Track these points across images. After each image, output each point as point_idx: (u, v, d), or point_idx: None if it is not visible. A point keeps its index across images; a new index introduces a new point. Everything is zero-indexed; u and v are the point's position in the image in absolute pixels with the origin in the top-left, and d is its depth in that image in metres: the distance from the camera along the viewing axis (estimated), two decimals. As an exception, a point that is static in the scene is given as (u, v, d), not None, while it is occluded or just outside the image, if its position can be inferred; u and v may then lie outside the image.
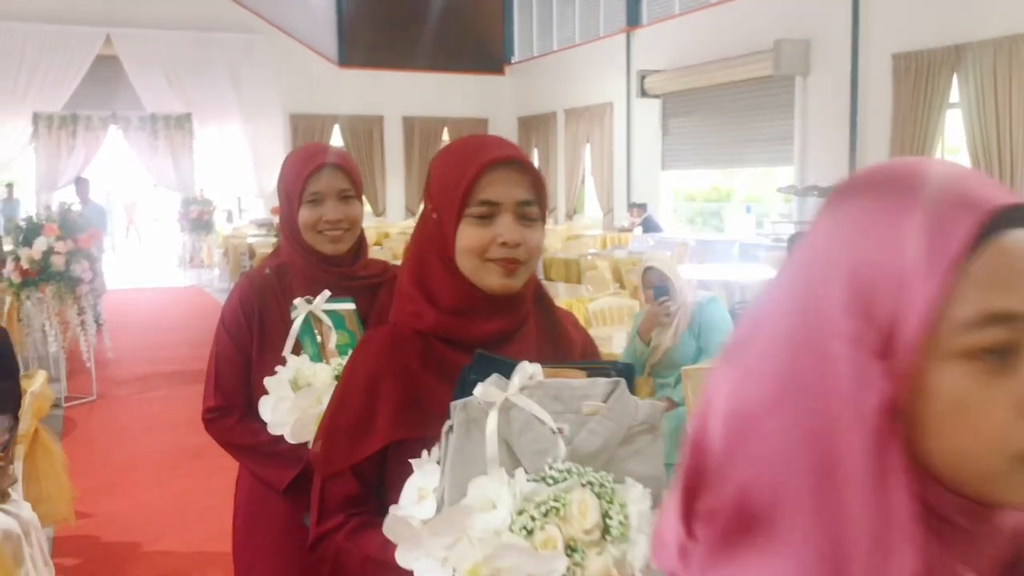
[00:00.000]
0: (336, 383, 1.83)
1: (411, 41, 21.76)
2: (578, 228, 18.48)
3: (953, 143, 11.93)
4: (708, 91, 15.84)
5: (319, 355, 2.27)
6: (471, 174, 1.54)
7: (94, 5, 18.67)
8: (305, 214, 2.35)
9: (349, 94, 21.09)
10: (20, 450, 4.35)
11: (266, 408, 2.19)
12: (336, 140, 21.51)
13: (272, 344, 2.33)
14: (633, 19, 18.11)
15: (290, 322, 2.30)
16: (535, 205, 1.58)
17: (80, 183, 13.28)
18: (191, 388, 8.85)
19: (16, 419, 4.37)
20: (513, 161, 1.57)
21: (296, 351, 2.28)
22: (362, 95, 21.25)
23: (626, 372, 1.47)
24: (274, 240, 9.15)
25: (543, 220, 1.62)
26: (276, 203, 9.37)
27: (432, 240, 1.60)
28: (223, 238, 17.41)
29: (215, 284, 17.22)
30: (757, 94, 14.82)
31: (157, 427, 7.61)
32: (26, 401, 4.41)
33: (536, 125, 21.61)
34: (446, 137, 22.44)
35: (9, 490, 3.94)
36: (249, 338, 2.39)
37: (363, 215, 2.49)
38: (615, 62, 18.43)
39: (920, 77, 11.70)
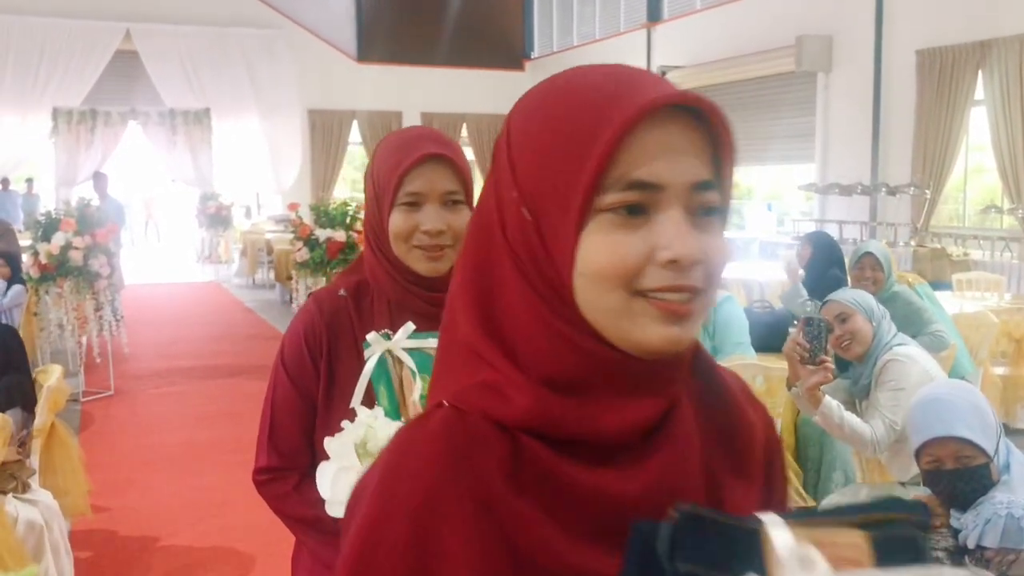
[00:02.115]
0: None
1: (430, 36, 21.75)
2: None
3: (978, 140, 11.83)
4: (729, 87, 15.76)
5: (398, 409, 1.75)
6: (615, 128, 1.01)
7: (113, 1, 18.72)
8: (398, 220, 1.82)
9: (367, 89, 21.10)
10: (37, 444, 4.40)
11: (324, 479, 1.69)
12: (354, 136, 21.55)
13: (345, 390, 1.82)
14: (654, 15, 18.05)
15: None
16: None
17: (98, 178, 13.34)
18: (208, 383, 8.89)
19: (32, 414, 4.40)
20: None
21: (369, 402, 1.75)
22: (380, 91, 21.25)
23: (923, 521, 0.85)
24: (291, 236, 9.13)
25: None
26: (294, 199, 9.24)
27: (521, 251, 0.89)
28: (241, 234, 17.44)
29: (232, 280, 17.26)
30: (779, 90, 14.74)
31: (174, 422, 7.64)
32: (42, 396, 4.44)
33: (555, 121, 21.54)
34: (464, 133, 22.43)
35: (29, 480, 3.99)
36: (315, 381, 1.89)
37: None
38: (635, 58, 18.36)
39: (944, 74, 11.59)
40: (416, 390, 1.73)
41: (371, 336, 1.73)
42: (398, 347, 1.74)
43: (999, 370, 6.50)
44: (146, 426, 7.60)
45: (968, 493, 2.74)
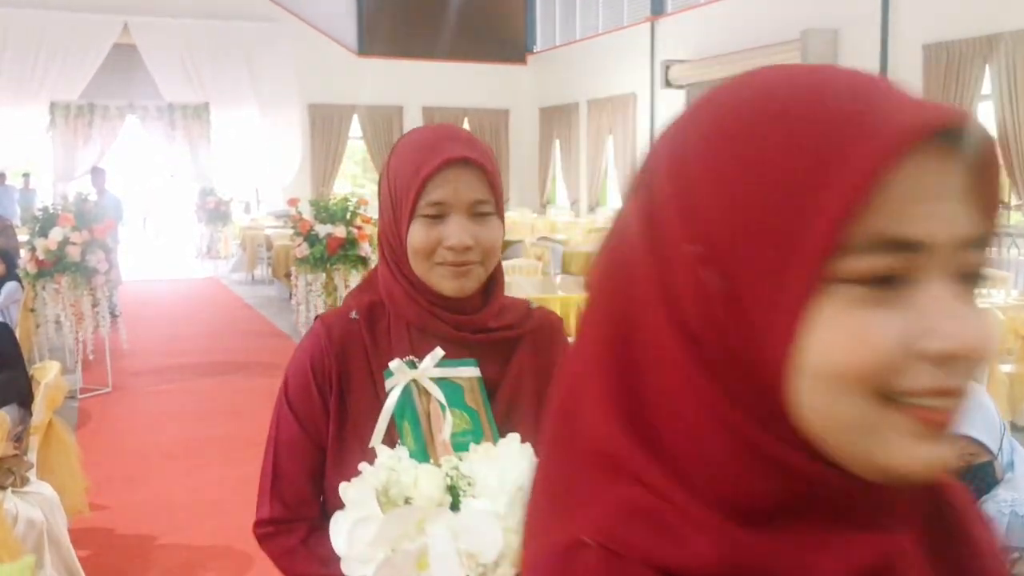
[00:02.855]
0: (451, 498, 1.42)
1: (431, 30, 21.72)
2: (601, 221, 18.38)
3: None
4: (732, 82, 15.73)
5: (425, 449, 1.53)
6: (866, 162, 0.71)
7: (112, -7, 18.71)
8: (418, 233, 1.55)
9: (368, 84, 21.05)
10: (34, 441, 4.44)
11: (340, 532, 1.47)
12: (355, 130, 21.51)
13: (359, 428, 1.60)
14: (657, 8, 18.01)
15: (384, 394, 1.59)
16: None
17: (96, 173, 13.29)
18: (206, 380, 8.87)
19: (28, 411, 4.40)
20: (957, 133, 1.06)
21: (391, 440, 1.56)
22: (382, 85, 21.20)
23: None
24: (291, 232, 9.07)
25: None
26: (294, 194, 9.11)
27: (701, 332, 0.62)
28: (240, 229, 17.40)
29: (231, 276, 17.21)
30: (783, 85, 14.70)
31: (172, 419, 7.62)
32: (40, 392, 4.46)
33: (558, 116, 21.51)
34: (466, 127, 22.35)
35: (27, 474, 4.01)
36: (325, 419, 1.64)
37: (503, 239, 1.65)
38: (639, 52, 18.31)
39: (951, 68, 11.55)
40: (446, 427, 1.53)
41: (394, 364, 1.54)
42: (425, 376, 1.54)
43: (1005, 367, 6.47)
44: (144, 423, 7.58)
45: (973, 491, 2.68)
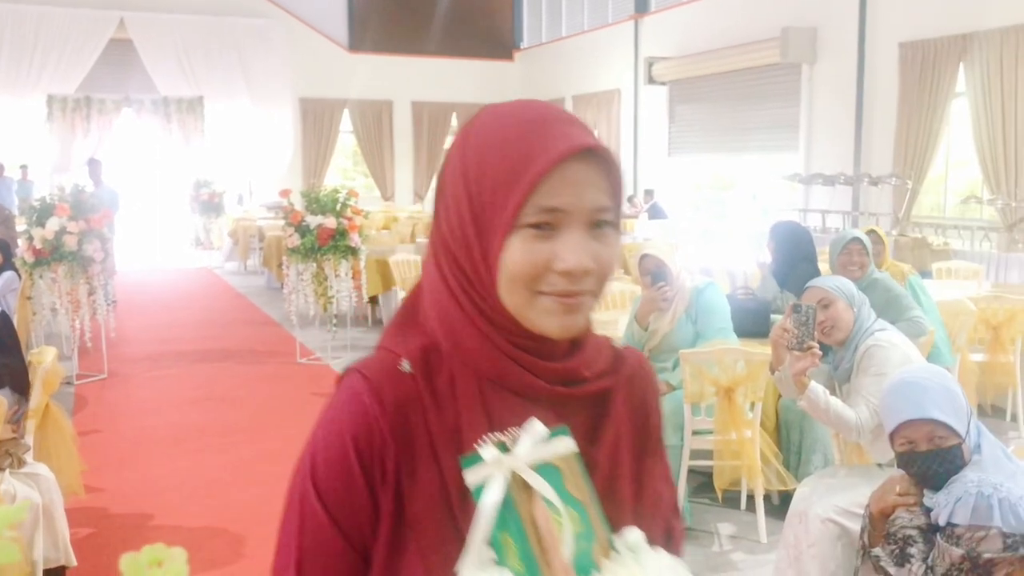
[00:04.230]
0: None
1: (420, 26, 21.80)
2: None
3: (959, 132, 11.97)
4: (715, 78, 15.87)
5: (538, 572, 1.05)
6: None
7: (107, -12, 18.80)
8: (521, 251, 1.10)
9: (359, 79, 21.17)
10: (31, 424, 4.42)
11: None
12: (346, 124, 21.59)
13: (421, 534, 1.13)
14: (641, 6, 18.13)
15: (454, 485, 1.11)
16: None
17: (93, 164, 13.33)
18: (199, 367, 8.96)
19: (24, 396, 4.44)
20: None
21: (476, 557, 1.09)
22: (371, 80, 21.31)
23: None
24: (283, 223, 9.10)
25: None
26: (286, 187, 9.09)
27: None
28: (233, 220, 17.49)
29: (224, 266, 17.33)
30: (764, 82, 14.86)
31: (166, 405, 7.71)
32: (37, 377, 4.47)
33: (545, 111, 21.58)
34: (454, 122, 22.48)
35: (25, 456, 4.03)
36: (372, 520, 1.16)
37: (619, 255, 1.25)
38: (623, 49, 18.45)
39: (927, 66, 11.72)
40: (567, 537, 1.07)
41: (488, 453, 1.07)
42: (526, 465, 1.07)
43: (976, 357, 6.60)
44: (139, 409, 7.67)
45: (942, 474, 2.80)
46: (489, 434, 1.11)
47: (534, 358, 1.15)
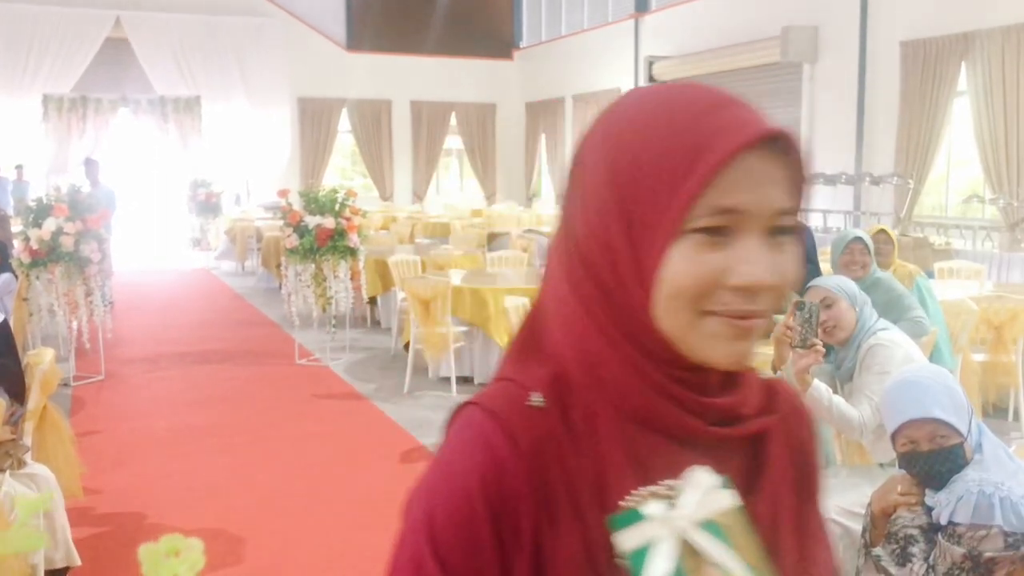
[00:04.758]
0: None
1: (419, 25, 21.80)
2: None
3: (961, 131, 11.94)
4: (716, 77, 15.83)
5: None
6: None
7: (104, -12, 18.79)
8: (688, 261, 0.91)
9: (357, 78, 21.16)
10: (29, 426, 4.41)
11: None
12: (344, 124, 21.59)
13: None
14: (641, 5, 18.12)
15: (604, 538, 0.90)
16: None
17: (90, 164, 13.30)
18: (197, 368, 8.95)
19: (18, 398, 4.42)
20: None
21: None
22: (370, 79, 21.30)
23: None
24: (280, 223, 9.09)
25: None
26: (283, 187, 9.07)
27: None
28: (231, 221, 17.49)
29: (221, 267, 17.31)
30: (764, 81, 14.83)
31: (164, 406, 7.70)
32: (35, 378, 4.45)
33: (544, 111, 21.62)
34: (453, 122, 22.48)
35: (24, 457, 4.02)
36: None
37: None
38: (623, 48, 18.43)
39: (928, 65, 11.70)
40: None
41: (654, 510, 0.88)
42: (693, 526, 0.88)
43: (978, 357, 6.60)
44: (136, 410, 7.65)
45: (944, 473, 2.78)
46: (642, 485, 0.90)
47: (691, 392, 0.95)
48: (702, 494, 0.89)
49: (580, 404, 0.96)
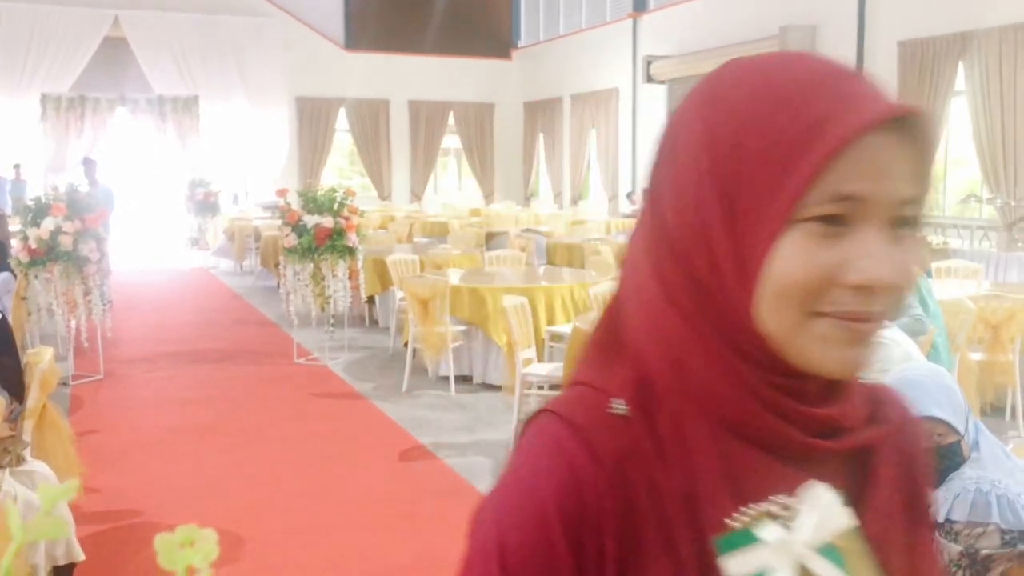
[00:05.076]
0: None
1: (418, 25, 21.80)
2: (583, 213, 18.52)
3: (958, 130, 11.96)
4: (714, 77, 15.86)
5: None
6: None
7: (102, -13, 18.79)
8: (800, 254, 0.79)
9: (355, 78, 21.16)
10: (28, 425, 4.41)
11: None
12: (342, 123, 21.59)
13: None
14: (640, 4, 18.13)
15: (697, 563, 0.82)
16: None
17: (88, 164, 13.30)
18: (196, 367, 8.95)
19: (17, 396, 4.42)
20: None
21: None
22: (368, 79, 21.30)
23: None
24: (279, 222, 9.09)
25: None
26: (282, 186, 9.07)
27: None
28: (229, 220, 17.49)
29: (220, 266, 17.32)
30: (763, 81, 14.84)
31: (163, 405, 7.71)
32: (34, 377, 4.46)
33: (542, 110, 21.64)
34: (452, 121, 22.48)
35: (23, 453, 4.02)
36: None
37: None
38: (621, 48, 18.44)
39: (926, 64, 11.71)
40: None
41: (770, 533, 0.79)
42: (813, 550, 0.78)
43: (976, 356, 6.61)
44: (135, 409, 7.65)
45: (942, 471, 2.77)
46: (737, 503, 0.80)
47: (792, 401, 0.84)
48: (820, 514, 0.79)
49: (667, 411, 0.85)
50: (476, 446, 6.44)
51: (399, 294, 8.97)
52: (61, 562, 4.03)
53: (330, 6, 21.42)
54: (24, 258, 7.72)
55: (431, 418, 7.11)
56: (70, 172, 17.29)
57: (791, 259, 0.78)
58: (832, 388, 0.87)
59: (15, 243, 8.09)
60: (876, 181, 0.78)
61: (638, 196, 17.04)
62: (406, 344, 8.13)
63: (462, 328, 7.95)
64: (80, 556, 4.12)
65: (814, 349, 0.81)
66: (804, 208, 0.77)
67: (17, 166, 17.75)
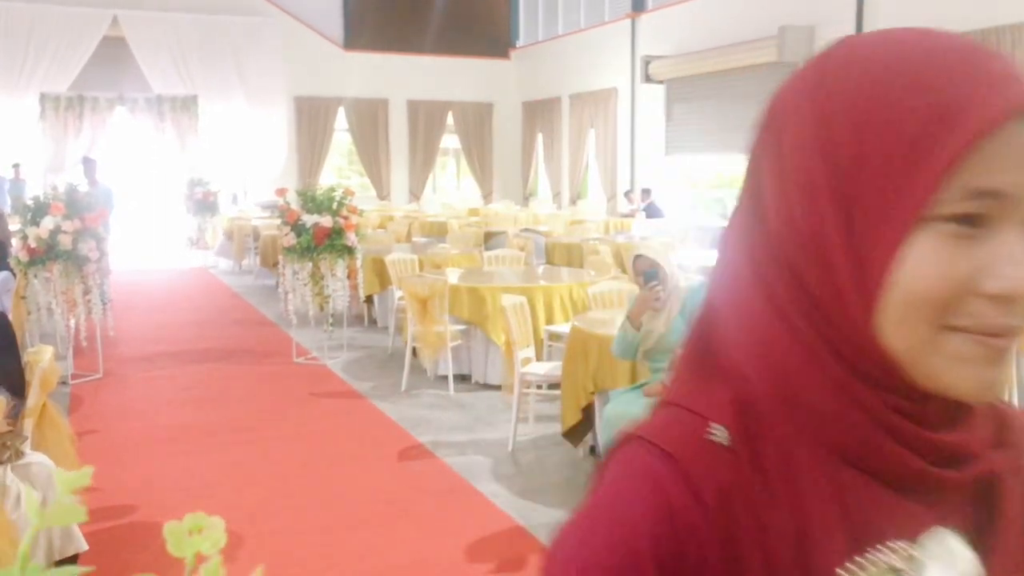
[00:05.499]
0: None
1: (416, 25, 21.81)
2: (581, 213, 18.53)
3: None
4: (712, 77, 15.87)
5: None
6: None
7: (101, -14, 18.79)
8: (932, 259, 0.69)
9: (354, 77, 21.18)
10: (28, 424, 4.42)
11: None
12: (341, 123, 21.60)
13: None
14: (638, 4, 18.14)
15: None
16: None
17: (87, 163, 13.31)
18: (195, 367, 8.96)
19: (16, 395, 4.42)
20: None
21: None
22: (367, 78, 21.32)
23: None
24: (278, 222, 9.07)
25: None
26: (281, 186, 9.07)
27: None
28: (228, 220, 17.50)
29: (219, 265, 17.33)
30: (761, 81, 14.84)
31: (162, 404, 7.71)
32: (35, 376, 4.46)
33: (541, 110, 21.64)
34: (451, 121, 22.49)
35: (22, 447, 4.03)
36: None
37: None
38: (620, 47, 18.46)
39: (923, 65, 11.73)
40: None
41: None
42: None
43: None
44: (134, 408, 7.65)
45: None
46: (854, 544, 0.71)
47: (914, 425, 0.74)
48: (946, 565, 0.69)
49: (773, 438, 0.74)
50: (475, 445, 6.46)
51: (398, 293, 8.99)
52: (68, 554, 4.03)
53: (329, 6, 21.43)
54: (24, 257, 7.72)
55: (430, 417, 7.12)
56: (69, 171, 17.31)
57: (921, 265, 0.68)
58: (955, 410, 0.76)
59: (15, 242, 8.09)
60: (1021, 174, 0.68)
61: (636, 194, 17.08)
62: (414, 350, 8.12)
63: (461, 327, 7.96)
64: (84, 546, 4.12)
65: (946, 368, 0.70)
66: (937, 206, 0.67)
67: (16, 165, 17.75)
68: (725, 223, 0.81)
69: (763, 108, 0.79)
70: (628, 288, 7.13)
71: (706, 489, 0.72)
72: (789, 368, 0.74)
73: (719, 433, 0.74)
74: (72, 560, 4.10)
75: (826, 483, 0.73)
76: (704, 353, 0.79)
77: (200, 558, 0.51)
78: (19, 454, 3.96)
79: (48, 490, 4.01)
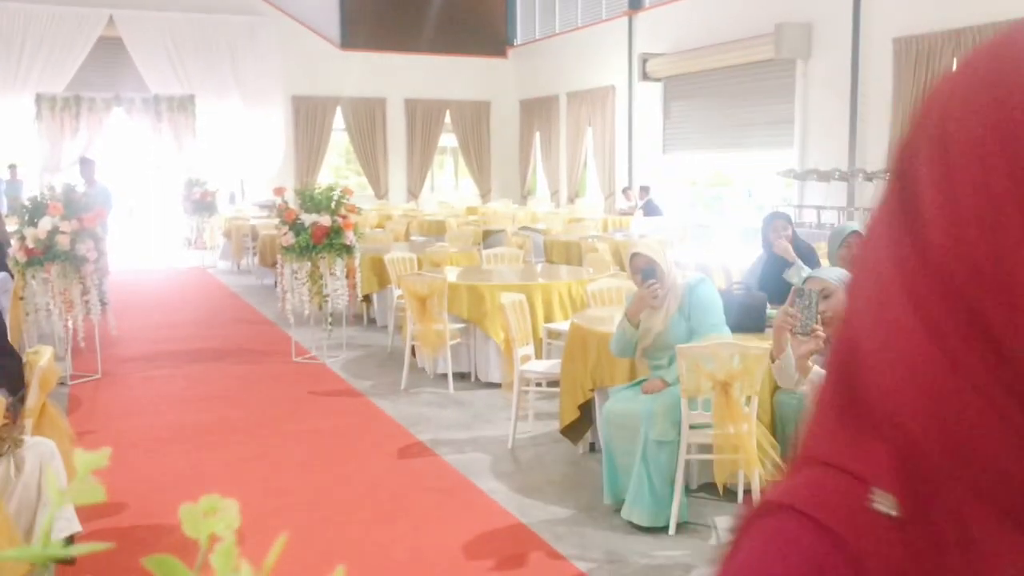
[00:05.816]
0: None
1: (413, 24, 21.81)
2: (579, 211, 18.54)
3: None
4: (709, 75, 15.89)
5: None
6: None
7: (97, -14, 18.79)
8: None
9: (351, 77, 21.18)
10: (28, 424, 4.41)
11: None
12: (338, 122, 21.60)
13: None
14: (635, 2, 18.16)
15: None
16: None
17: (85, 163, 13.29)
18: (194, 367, 8.96)
19: (19, 399, 4.42)
20: None
21: None
22: (364, 78, 21.32)
23: None
24: (276, 221, 9.06)
25: None
26: (278, 184, 9.08)
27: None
28: (226, 220, 17.50)
29: (217, 265, 17.33)
30: (758, 78, 14.88)
31: (161, 404, 7.70)
32: (34, 376, 4.46)
33: (538, 108, 21.65)
34: (448, 120, 22.49)
35: (21, 437, 4.03)
36: None
37: None
38: (617, 45, 18.47)
39: (921, 61, 11.75)
40: None
41: None
42: None
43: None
44: (133, 409, 7.65)
45: None
46: None
47: None
48: None
49: (941, 500, 0.59)
50: (474, 443, 6.46)
51: (397, 292, 8.98)
52: (64, 535, 4.03)
53: (326, 5, 21.44)
54: (21, 258, 7.70)
55: (429, 415, 7.13)
56: (66, 172, 17.29)
57: None
58: None
59: (13, 242, 8.08)
60: None
61: (633, 191, 17.08)
62: (413, 348, 8.12)
63: (460, 326, 7.96)
64: (78, 527, 4.12)
65: None
66: None
67: (13, 166, 17.75)
68: (864, 234, 0.65)
69: (920, 104, 0.62)
70: (626, 286, 7.13)
71: (875, 573, 0.58)
72: (961, 418, 0.57)
73: (883, 501, 0.60)
74: (68, 541, 4.10)
75: (1010, 560, 0.58)
76: (850, 398, 0.64)
77: (215, 539, 0.51)
78: (18, 443, 3.97)
79: (51, 462, 4.02)
